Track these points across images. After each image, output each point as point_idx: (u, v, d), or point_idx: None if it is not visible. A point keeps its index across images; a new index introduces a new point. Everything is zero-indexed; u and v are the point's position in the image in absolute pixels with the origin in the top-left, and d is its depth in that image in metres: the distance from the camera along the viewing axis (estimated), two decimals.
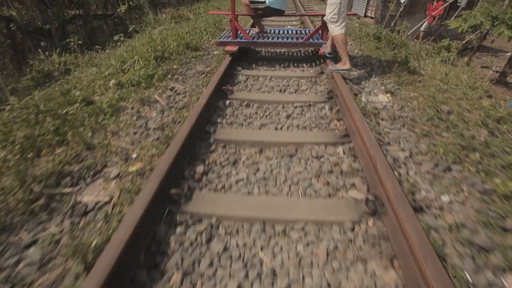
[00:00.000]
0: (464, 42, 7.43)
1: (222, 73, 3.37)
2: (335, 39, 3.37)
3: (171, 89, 3.24)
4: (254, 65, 4.22)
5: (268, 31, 4.89)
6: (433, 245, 1.28)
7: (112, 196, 1.69)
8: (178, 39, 4.86)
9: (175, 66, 3.93)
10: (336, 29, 3.28)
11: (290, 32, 4.87)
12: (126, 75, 3.49)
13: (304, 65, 4.28)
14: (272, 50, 4.96)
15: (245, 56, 4.54)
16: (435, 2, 10.20)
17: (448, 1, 10.12)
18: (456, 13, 8.75)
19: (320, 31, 4.30)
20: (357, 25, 6.74)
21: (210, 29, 6.25)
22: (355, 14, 14.56)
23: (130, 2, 12.19)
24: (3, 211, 1.56)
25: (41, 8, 7.80)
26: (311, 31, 4.42)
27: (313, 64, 4.30)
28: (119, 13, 9.43)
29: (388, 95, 3.13)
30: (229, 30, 4.56)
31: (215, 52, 4.71)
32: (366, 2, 12.75)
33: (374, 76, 3.68)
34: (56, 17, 8.02)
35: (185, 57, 4.36)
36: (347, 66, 3.36)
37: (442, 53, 6.30)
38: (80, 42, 7.92)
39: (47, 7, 7.70)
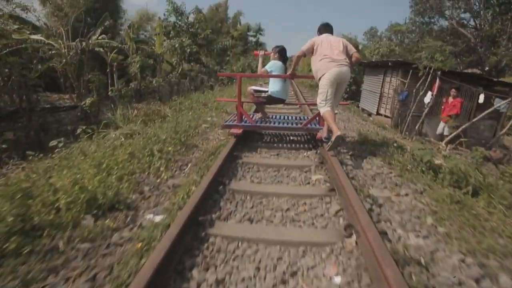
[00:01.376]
0: None
1: None
2: (323, 116, 3.88)
3: None
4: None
5: (270, 116, 5.21)
6: None
7: None
8: (78, 191, 2.50)
9: None
10: (323, 110, 3.84)
11: (290, 118, 5.28)
12: None
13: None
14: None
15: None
16: (451, 98, 8.42)
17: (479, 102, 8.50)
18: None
19: (317, 118, 4.52)
20: (398, 148, 4.51)
21: (170, 147, 4.04)
22: (363, 110, 13.20)
23: (109, 91, 10.75)
24: None
25: None
26: (309, 118, 4.79)
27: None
28: (84, 106, 7.63)
29: None
30: (235, 115, 4.99)
31: (147, 217, 2.35)
32: (378, 99, 11.30)
33: None
34: None
35: (67, 245, 1.97)
36: (338, 133, 3.58)
37: None
38: (4, 145, 5.78)
39: None
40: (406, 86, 9.51)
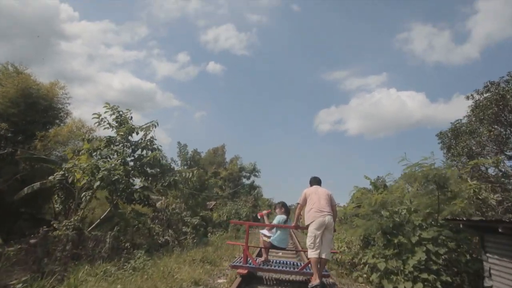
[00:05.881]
0: None
1: None
2: (310, 259, 4.96)
3: None
4: None
5: (271, 260, 6.16)
6: None
7: None
8: None
9: None
10: (310, 254, 4.89)
11: (288, 263, 6.28)
12: None
13: None
14: None
15: None
16: None
17: None
18: None
19: (310, 264, 5.16)
20: None
21: None
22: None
23: None
24: None
25: None
26: (304, 263, 5.74)
27: None
28: None
29: None
30: (241, 257, 5.98)
31: None
32: None
33: None
34: None
35: None
36: (317, 281, 4.68)
37: None
38: None
39: None
40: None
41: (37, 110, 13.98)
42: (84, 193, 9.31)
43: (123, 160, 10.21)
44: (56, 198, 11.52)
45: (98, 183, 8.44)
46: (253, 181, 33.00)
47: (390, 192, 7.87)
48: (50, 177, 10.67)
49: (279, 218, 5.99)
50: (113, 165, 8.91)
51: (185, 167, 20.36)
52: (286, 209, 6.21)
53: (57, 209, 11.06)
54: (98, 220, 10.77)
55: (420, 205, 7.10)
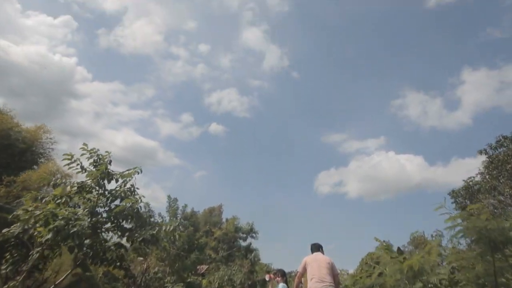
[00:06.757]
0: None
1: None
2: None
3: None
4: None
5: None
6: None
7: None
8: None
9: None
10: None
11: None
12: None
13: None
14: None
15: None
16: None
17: None
18: None
19: None
20: None
21: None
22: None
23: None
24: None
25: None
26: None
27: None
28: None
29: None
30: None
31: None
32: None
33: None
34: None
35: None
36: None
37: None
38: None
39: None
40: None
41: (12, 154, 12.66)
42: (32, 251, 7.43)
43: (91, 210, 8.52)
44: (8, 257, 9.51)
45: (49, 235, 6.70)
46: (250, 243, 30.09)
47: (422, 255, 6.09)
48: (4, 230, 8.90)
49: (282, 286, 5.72)
50: (77, 214, 7.28)
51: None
52: (286, 277, 6.09)
53: (3, 271, 8.98)
54: (52, 286, 8.64)
55: (467, 274, 5.29)
